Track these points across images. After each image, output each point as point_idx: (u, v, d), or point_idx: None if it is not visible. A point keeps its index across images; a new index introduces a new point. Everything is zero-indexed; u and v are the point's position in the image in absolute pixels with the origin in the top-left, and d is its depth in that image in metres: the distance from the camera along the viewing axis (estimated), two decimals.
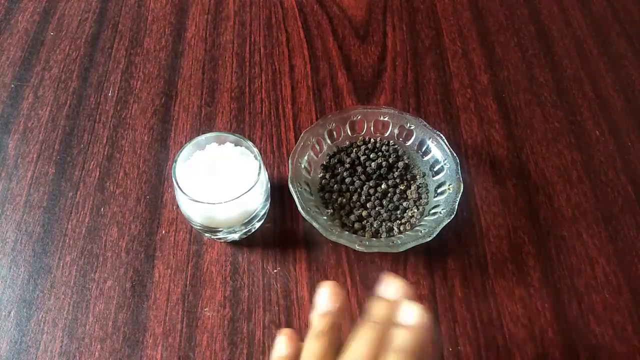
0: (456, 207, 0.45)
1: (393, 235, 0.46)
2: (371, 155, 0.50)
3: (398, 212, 0.48)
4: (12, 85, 0.57)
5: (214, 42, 0.61)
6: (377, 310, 0.30)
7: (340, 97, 0.56)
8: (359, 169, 0.50)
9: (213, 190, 0.41)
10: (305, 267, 0.46)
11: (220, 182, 0.42)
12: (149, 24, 0.62)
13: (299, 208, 0.44)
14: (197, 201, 0.40)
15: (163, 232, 0.48)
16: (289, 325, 0.43)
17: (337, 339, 0.30)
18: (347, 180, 0.49)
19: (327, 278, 0.45)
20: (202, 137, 0.43)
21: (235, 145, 0.44)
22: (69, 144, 0.53)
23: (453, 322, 0.44)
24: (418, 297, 0.45)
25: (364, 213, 0.47)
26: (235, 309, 0.44)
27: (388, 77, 0.58)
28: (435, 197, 0.48)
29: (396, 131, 0.51)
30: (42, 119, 0.54)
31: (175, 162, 0.42)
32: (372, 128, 0.51)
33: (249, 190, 0.41)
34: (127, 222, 0.48)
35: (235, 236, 0.46)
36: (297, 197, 0.45)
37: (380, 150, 0.51)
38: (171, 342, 0.42)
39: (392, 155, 0.50)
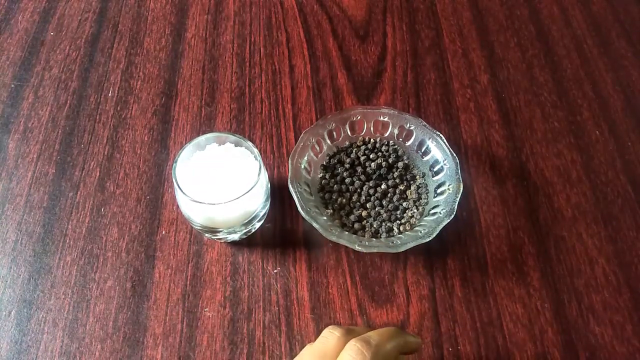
0: (456, 207, 0.45)
1: (393, 236, 0.46)
2: (371, 156, 0.50)
3: (398, 212, 0.48)
4: (12, 85, 0.57)
5: (214, 42, 0.61)
6: None
7: (340, 97, 0.57)
8: (359, 169, 0.50)
9: (213, 190, 0.41)
10: (305, 267, 0.46)
11: (220, 182, 0.42)
12: (149, 24, 0.62)
13: (299, 208, 0.44)
14: (197, 202, 0.40)
15: (163, 232, 0.48)
16: (289, 325, 0.43)
17: None
18: (347, 180, 0.49)
19: (327, 278, 0.46)
20: (202, 138, 0.43)
21: (236, 145, 0.44)
22: (69, 144, 0.53)
23: (453, 322, 0.44)
24: (417, 298, 0.45)
25: (364, 213, 0.47)
26: (236, 309, 0.44)
27: (388, 77, 0.58)
28: (435, 197, 0.48)
29: (396, 131, 0.51)
30: (42, 119, 0.55)
31: (176, 162, 0.42)
32: (372, 128, 0.51)
33: (249, 191, 0.41)
34: (128, 222, 0.48)
35: (236, 236, 0.46)
36: (297, 197, 0.45)
37: (380, 151, 0.51)
38: (171, 342, 0.43)
39: (391, 156, 0.50)
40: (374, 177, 0.49)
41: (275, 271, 0.46)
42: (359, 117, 0.51)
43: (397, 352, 0.31)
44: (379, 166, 0.49)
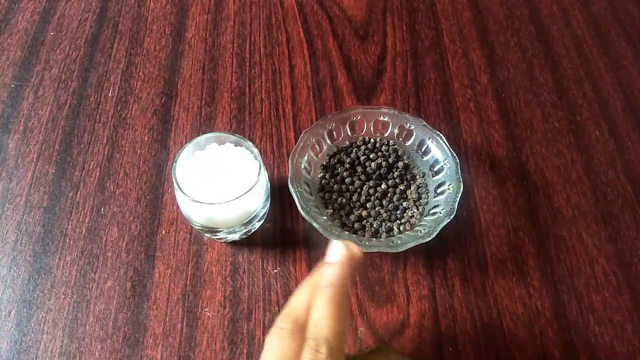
0: (456, 207, 0.45)
1: (393, 235, 0.46)
2: (371, 155, 0.50)
3: (398, 212, 0.48)
4: (12, 85, 0.57)
5: (214, 42, 0.61)
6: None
7: (340, 97, 0.57)
8: (359, 169, 0.50)
9: (213, 190, 0.41)
10: (305, 267, 0.46)
11: (220, 182, 0.42)
12: (149, 24, 0.62)
13: (299, 208, 0.44)
14: (197, 201, 0.40)
15: (163, 232, 0.48)
16: None
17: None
18: (347, 180, 0.49)
19: None
20: (202, 138, 0.43)
21: (236, 145, 0.44)
22: (69, 144, 0.53)
23: (453, 322, 0.44)
24: (417, 298, 0.45)
25: (364, 213, 0.47)
26: (235, 309, 0.44)
27: (388, 77, 0.58)
28: (435, 197, 0.48)
29: (396, 131, 0.51)
30: (42, 119, 0.55)
31: (176, 162, 0.42)
32: (372, 128, 0.51)
33: (249, 191, 0.41)
34: (128, 222, 0.48)
35: (236, 236, 0.46)
36: (297, 197, 0.45)
37: (380, 150, 0.51)
38: (171, 342, 0.43)
39: (391, 155, 0.50)
40: (374, 177, 0.49)
41: (275, 271, 0.46)
42: (359, 117, 0.51)
43: (345, 326, 0.30)
44: (379, 166, 0.49)
